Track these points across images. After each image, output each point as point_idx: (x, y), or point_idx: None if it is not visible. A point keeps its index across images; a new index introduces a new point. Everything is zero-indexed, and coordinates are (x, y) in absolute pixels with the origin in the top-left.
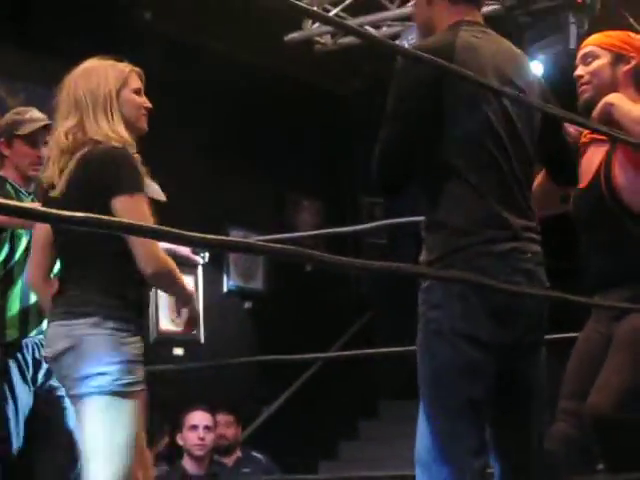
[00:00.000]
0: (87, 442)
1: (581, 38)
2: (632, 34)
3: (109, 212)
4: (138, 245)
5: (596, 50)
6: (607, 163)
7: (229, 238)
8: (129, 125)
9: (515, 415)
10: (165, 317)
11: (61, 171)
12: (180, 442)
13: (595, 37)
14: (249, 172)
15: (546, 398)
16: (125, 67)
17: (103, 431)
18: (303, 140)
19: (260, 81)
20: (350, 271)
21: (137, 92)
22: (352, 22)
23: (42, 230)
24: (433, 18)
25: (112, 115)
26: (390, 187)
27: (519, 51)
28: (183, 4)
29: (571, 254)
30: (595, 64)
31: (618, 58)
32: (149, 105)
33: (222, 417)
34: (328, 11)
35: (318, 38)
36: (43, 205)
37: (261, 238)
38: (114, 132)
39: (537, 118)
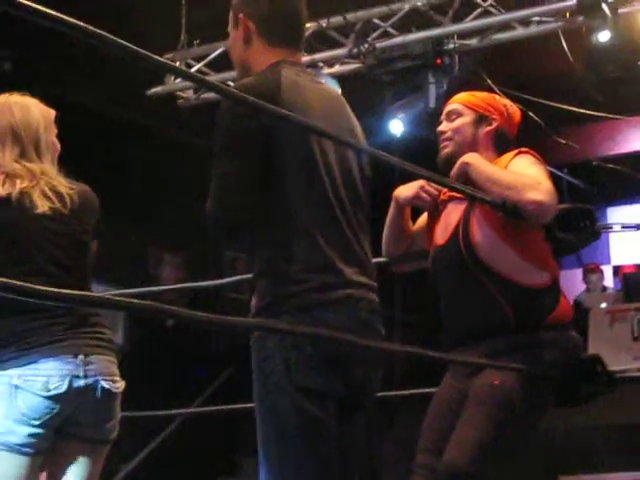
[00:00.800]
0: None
1: (440, 98)
2: (497, 97)
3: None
4: None
5: (461, 108)
6: (465, 221)
7: (88, 293)
8: None
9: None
10: None
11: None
12: None
13: (461, 96)
14: (111, 225)
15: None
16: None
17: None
18: (167, 193)
19: (125, 135)
20: (207, 326)
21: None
22: (215, 78)
23: None
24: (250, 59)
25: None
26: (232, 225)
27: (340, 94)
28: (46, 55)
29: (429, 309)
30: (458, 122)
31: (481, 118)
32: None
33: None
34: (191, 66)
35: (180, 93)
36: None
37: (120, 292)
38: None
39: (366, 164)
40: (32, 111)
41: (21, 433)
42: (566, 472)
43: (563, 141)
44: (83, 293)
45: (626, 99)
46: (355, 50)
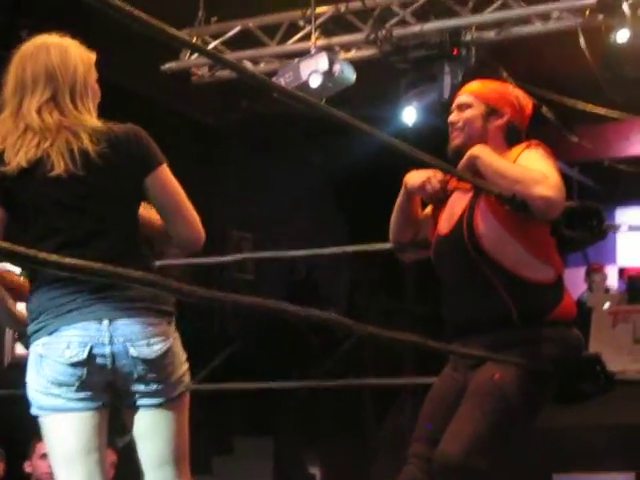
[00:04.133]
0: (173, 442)
1: (455, 88)
2: (510, 87)
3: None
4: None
5: (472, 100)
6: (470, 211)
7: (90, 264)
8: None
9: None
10: None
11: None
12: (29, 470)
13: (473, 86)
14: None
15: None
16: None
17: (185, 430)
18: (176, 170)
19: (135, 109)
20: (210, 303)
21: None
22: (231, 56)
23: None
24: None
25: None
26: None
27: None
28: (61, 25)
29: (432, 300)
30: (469, 113)
31: (492, 111)
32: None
33: None
34: (207, 43)
35: (195, 69)
36: (39, 188)
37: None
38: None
39: None
40: (71, 52)
41: (58, 397)
42: (560, 470)
43: (576, 140)
44: (85, 263)
45: None
46: (372, 36)
